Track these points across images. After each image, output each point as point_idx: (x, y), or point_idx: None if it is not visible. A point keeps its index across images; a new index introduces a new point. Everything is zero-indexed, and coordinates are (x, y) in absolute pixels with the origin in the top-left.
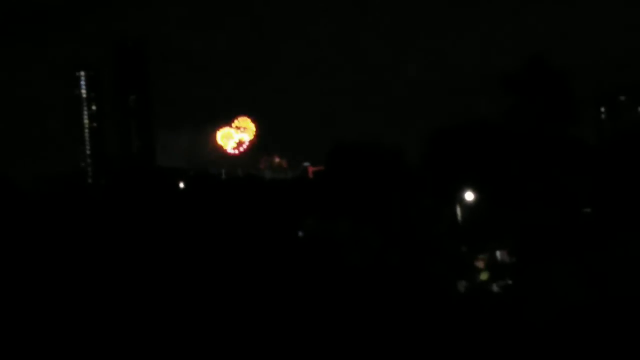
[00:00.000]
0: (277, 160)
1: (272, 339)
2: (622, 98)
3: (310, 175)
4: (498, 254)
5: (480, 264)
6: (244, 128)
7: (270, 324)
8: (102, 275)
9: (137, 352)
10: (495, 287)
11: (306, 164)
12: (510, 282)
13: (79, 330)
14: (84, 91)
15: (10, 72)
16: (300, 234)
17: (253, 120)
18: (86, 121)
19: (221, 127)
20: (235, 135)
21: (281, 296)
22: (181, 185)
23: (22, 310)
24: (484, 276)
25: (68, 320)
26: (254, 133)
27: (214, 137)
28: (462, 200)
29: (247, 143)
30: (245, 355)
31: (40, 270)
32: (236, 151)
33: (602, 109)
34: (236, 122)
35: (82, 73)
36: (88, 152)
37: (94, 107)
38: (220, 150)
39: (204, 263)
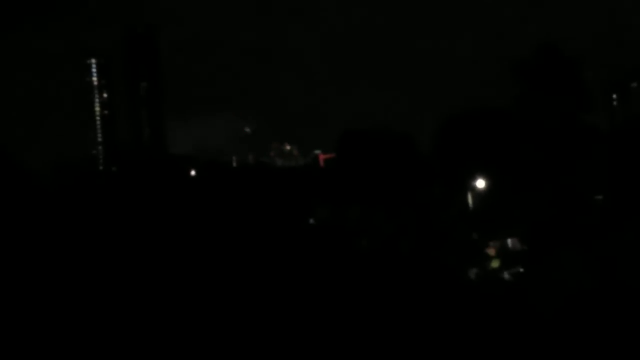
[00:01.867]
0: (287, 147)
1: (282, 325)
2: (635, 84)
3: (321, 162)
4: (509, 241)
5: (491, 252)
6: None
7: (280, 310)
8: (112, 264)
9: (150, 341)
10: (506, 275)
11: (317, 151)
12: (521, 269)
13: (87, 320)
14: (95, 79)
15: (21, 59)
16: (311, 221)
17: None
18: (97, 109)
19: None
20: None
21: (291, 283)
22: (192, 172)
23: (31, 299)
24: (495, 264)
25: (76, 310)
26: None
27: (225, 124)
28: (473, 188)
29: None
30: (257, 340)
31: (49, 258)
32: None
33: (614, 96)
34: None
35: (93, 60)
36: (99, 139)
37: (105, 95)
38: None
39: (215, 250)
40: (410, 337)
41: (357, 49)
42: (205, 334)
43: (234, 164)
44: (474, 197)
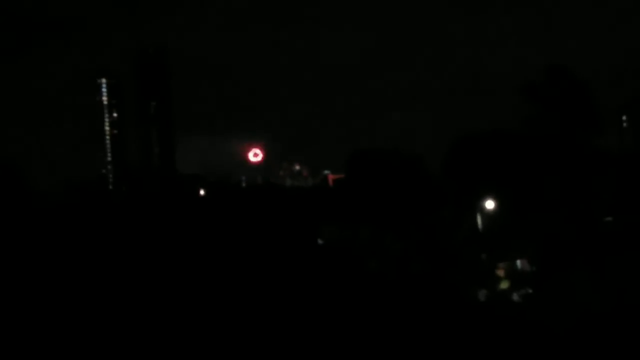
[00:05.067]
0: (297, 167)
1: (288, 342)
2: None
3: (331, 183)
4: (518, 262)
5: (500, 273)
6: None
7: (287, 328)
8: (119, 277)
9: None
10: (515, 296)
11: (326, 171)
12: (530, 291)
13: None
14: (105, 98)
15: (32, 79)
16: (319, 241)
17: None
18: (107, 128)
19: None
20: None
21: (299, 301)
22: (201, 192)
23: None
24: (504, 285)
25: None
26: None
27: (234, 144)
28: (482, 209)
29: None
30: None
31: (55, 272)
32: (257, 159)
33: (624, 117)
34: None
35: (104, 80)
36: (109, 158)
37: (115, 114)
38: (240, 158)
39: (223, 269)
40: (419, 356)
41: (366, 70)
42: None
43: (243, 184)
44: (483, 218)
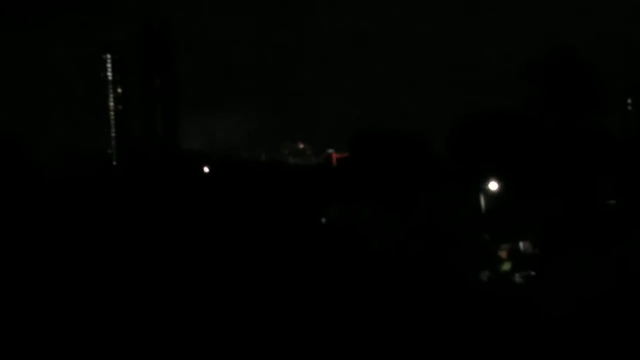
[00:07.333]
0: (300, 146)
1: (290, 323)
2: None
3: (334, 162)
4: (521, 244)
5: (503, 255)
6: None
7: (288, 307)
8: (116, 259)
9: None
10: (517, 278)
11: (330, 150)
12: (532, 273)
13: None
14: (109, 74)
15: (36, 54)
16: (323, 220)
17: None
18: (111, 104)
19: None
20: None
21: (300, 280)
22: (206, 169)
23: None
24: (506, 266)
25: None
26: None
27: (238, 121)
28: (486, 190)
29: None
30: (264, 339)
31: (51, 251)
32: None
33: (629, 100)
34: None
35: (108, 56)
36: (113, 134)
37: (119, 90)
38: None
39: (224, 247)
40: (420, 337)
41: (371, 49)
42: (210, 333)
43: (247, 161)
44: (486, 200)
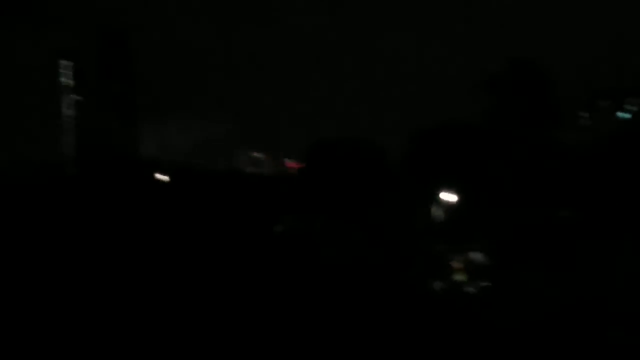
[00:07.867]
0: (257, 154)
1: (248, 335)
2: (605, 102)
3: (290, 171)
4: (475, 255)
5: (456, 265)
6: None
7: (245, 318)
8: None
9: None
10: (471, 288)
11: (286, 159)
12: (486, 283)
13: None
14: (65, 79)
15: None
16: (277, 229)
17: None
18: (66, 111)
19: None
20: None
21: (255, 291)
22: (162, 177)
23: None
24: (460, 277)
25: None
26: None
27: (197, 129)
28: (441, 201)
29: None
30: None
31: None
32: None
33: (585, 113)
34: None
35: (65, 62)
36: (69, 141)
37: (75, 97)
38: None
39: (182, 256)
40: (374, 348)
41: (330, 56)
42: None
43: (203, 170)
44: (441, 210)
